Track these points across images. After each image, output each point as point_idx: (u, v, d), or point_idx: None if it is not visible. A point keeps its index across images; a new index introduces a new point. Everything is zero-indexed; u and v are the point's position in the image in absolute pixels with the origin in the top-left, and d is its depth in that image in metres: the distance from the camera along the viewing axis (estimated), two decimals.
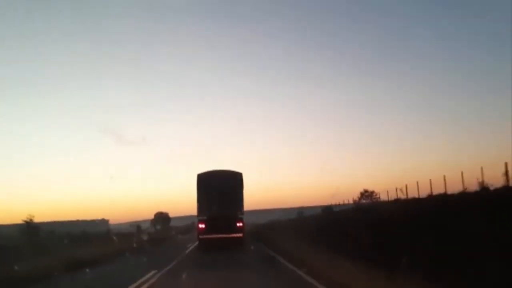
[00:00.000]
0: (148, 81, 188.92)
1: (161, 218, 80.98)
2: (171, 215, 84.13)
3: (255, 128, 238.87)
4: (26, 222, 24.57)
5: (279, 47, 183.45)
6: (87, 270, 13.95)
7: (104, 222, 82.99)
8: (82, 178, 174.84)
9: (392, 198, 22.35)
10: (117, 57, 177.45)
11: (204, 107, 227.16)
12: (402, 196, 19.78)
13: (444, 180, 16.82)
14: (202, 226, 20.31)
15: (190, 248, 23.18)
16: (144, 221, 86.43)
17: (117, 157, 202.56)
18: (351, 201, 40.11)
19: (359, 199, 42.97)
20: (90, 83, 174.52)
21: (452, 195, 12.76)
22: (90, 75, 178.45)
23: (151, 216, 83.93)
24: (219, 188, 20.38)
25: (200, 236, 20.45)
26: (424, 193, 17.07)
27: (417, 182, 19.74)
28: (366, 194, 41.09)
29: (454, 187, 15.20)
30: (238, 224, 19.99)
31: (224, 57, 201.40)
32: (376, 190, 37.67)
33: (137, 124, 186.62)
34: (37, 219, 26.24)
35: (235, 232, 19.90)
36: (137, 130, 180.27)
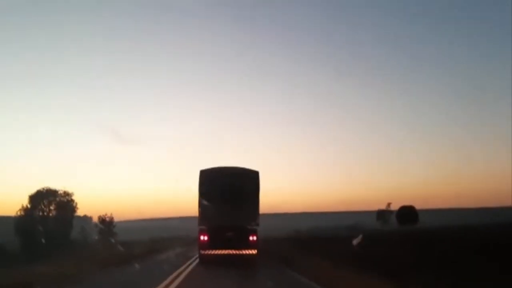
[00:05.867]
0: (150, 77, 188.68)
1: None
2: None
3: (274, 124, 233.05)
4: None
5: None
6: None
7: (86, 218, 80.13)
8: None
9: None
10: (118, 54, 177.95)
11: (209, 101, 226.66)
12: None
13: None
14: (204, 238, 16.90)
15: None
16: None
17: (115, 155, 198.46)
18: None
19: None
20: (89, 80, 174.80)
21: None
22: (90, 72, 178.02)
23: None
24: (228, 190, 16.91)
25: (202, 252, 16.98)
26: None
27: None
28: None
29: None
30: (251, 238, 16.65)
31: (232, 48, 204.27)
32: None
33: (136, 122, 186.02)
34: None
35: (248, 248, 16.56)
36: (135, 128, 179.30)
